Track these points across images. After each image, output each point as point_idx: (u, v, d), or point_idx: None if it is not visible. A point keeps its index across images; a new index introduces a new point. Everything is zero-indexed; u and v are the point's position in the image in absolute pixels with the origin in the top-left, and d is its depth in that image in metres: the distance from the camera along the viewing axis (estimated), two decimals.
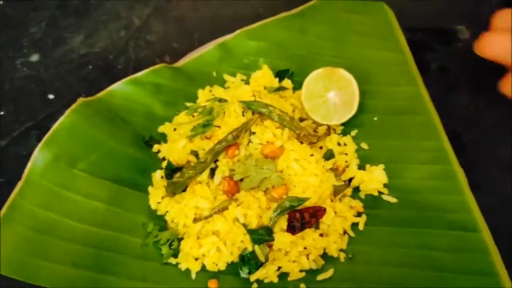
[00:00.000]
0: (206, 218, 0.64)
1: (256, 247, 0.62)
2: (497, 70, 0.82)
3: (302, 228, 0.62)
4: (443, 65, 0.83)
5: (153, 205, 0.67)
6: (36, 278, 0.59)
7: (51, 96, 0.80)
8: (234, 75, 0.78)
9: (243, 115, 0.69)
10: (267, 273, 0.62)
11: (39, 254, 0.60)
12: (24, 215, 0.62)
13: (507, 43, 0.58)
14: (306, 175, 0.65)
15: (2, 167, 0.73)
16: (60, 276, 0.59)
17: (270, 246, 0.64)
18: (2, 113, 0.78)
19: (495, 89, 0.79)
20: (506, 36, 0.59)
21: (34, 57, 0.84)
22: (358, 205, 0.67)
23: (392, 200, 0.68)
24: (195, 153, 0.68)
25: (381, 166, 0.69)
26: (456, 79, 0.82)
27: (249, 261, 0.62)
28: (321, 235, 0.64)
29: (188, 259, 0.63)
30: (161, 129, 0.73)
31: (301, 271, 0.63)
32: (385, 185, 0.69)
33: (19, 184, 0.63)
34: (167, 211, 0.66)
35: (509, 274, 0.60)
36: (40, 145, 0.65)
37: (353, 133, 0.73)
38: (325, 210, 0.63)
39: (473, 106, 0.79)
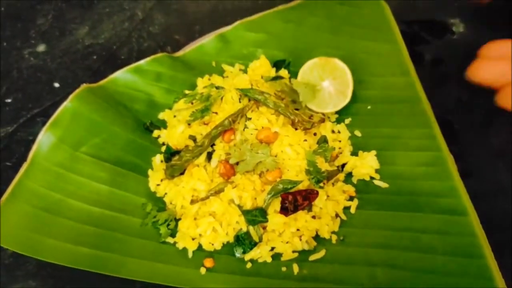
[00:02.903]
0: (203, 199, 0.67)
1: (251, 228, 0.65)
2: None
3: (295, 210, 0.64)
4: (436, 56, 0.85)
5: (152, 187, 0.69)
6: (40, 253, 0.62)
7: (56, 85, 0.83)
8: (232, 65, 0.80)
9: (239, 102, 0.71)
10: (261, 253, 0.65)
11: (43, 231, 0.63)
12: (29, 194, 0.65)
13: (496, 69, 0.65)
14: (299, 159, 0.67)
15: (9, 151, 0.75)
16: (62, 252, 0.62)
17: (264, 228, 0.66)
18: (9, 100, 0.81)
19: None
20: (494, 64, 0.65)
21: (41, 48, 0.87)
22: (351, 189, 0.70)
23: (384, 185, 0.70)
24: (193, 138, 0.70)
25: (373, 152, 0.71)
26: (449, 71, 0.83)
27: (244, 241, 0.65)
28: (313, 217, 0.67)
29: (185, 239, 0.65)
30: (161, 115, 0.75)
31: (294, 251, 0.65)
32: (376, 171, 0.71)
33: (25, 165, 0.67)
34: (165, 193, 0.69)
35: (496, 257, 0.62)
36: (44, 128, 0.68)
37: (347, 121, 0.75)
38: (317, 193, 0.66)
39: (465, 96, 0.80)
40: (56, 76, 0.84)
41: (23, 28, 0.89)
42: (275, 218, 0.64)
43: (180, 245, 0.65)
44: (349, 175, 0.71)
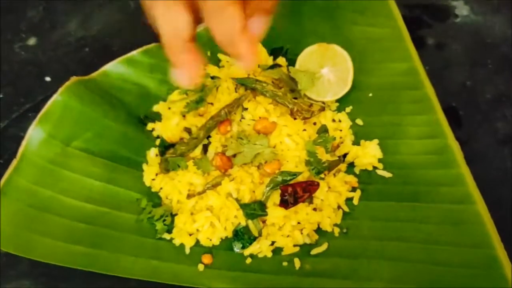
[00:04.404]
0: (199, 193, 0.65)
1: (250, 222, 0.63)
2: (495, 46, 0.81)
3: (295, 202, 0.62)
4: (439, 41, 0.82)
5: (147, 182, 0.67)
6: (31, 253, 0.60)
7: (48, 79, 0.81)
8: (228, 54, 0.77)
9: (235, 92, 0.69)
10: (261, 247, 0.63)
11: (35, 229, 0.61)
12: (19, 191, 0.63)
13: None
14: (298, 150, 0.65)
15: (0, 148, 0.73)
16: (54, 251, 0.60)
17: (264, 222, 0.64)
18: (0, 95, 0.79)
19: (492, 64, 0.79)
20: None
21: (32, 41, 0.84)
22: (353, 180, 0.67)
23: (387, 175, 0.67)
24: (188, 130, 0.68)
25: (376, 141, 0.69)
26: (453, 55, 0.81)
27: (243, 235, 0.63)
28: (315, 210, 0.64)
29: (182, 235, 0.63)
30: (156, 108, 0.73)
31: (295, 245, 0.63)
32: (380, 160, 0.68)
33: (14, 162, 0.65)
34: (161, 188, 0.67)
35: (505, 246, 0.60)
36: (34, 123, 0.66)
37: (348, 109, 0.73)
38: (318, 184, 0.63)
39: (470, 81, 0.78)
40: (47, 69, 0.81)
41: (14, 21, 0.86)
42: (274, 211, 0.62)
43: (177, 241, 0.63)
44: (351, 165, 0.69)
